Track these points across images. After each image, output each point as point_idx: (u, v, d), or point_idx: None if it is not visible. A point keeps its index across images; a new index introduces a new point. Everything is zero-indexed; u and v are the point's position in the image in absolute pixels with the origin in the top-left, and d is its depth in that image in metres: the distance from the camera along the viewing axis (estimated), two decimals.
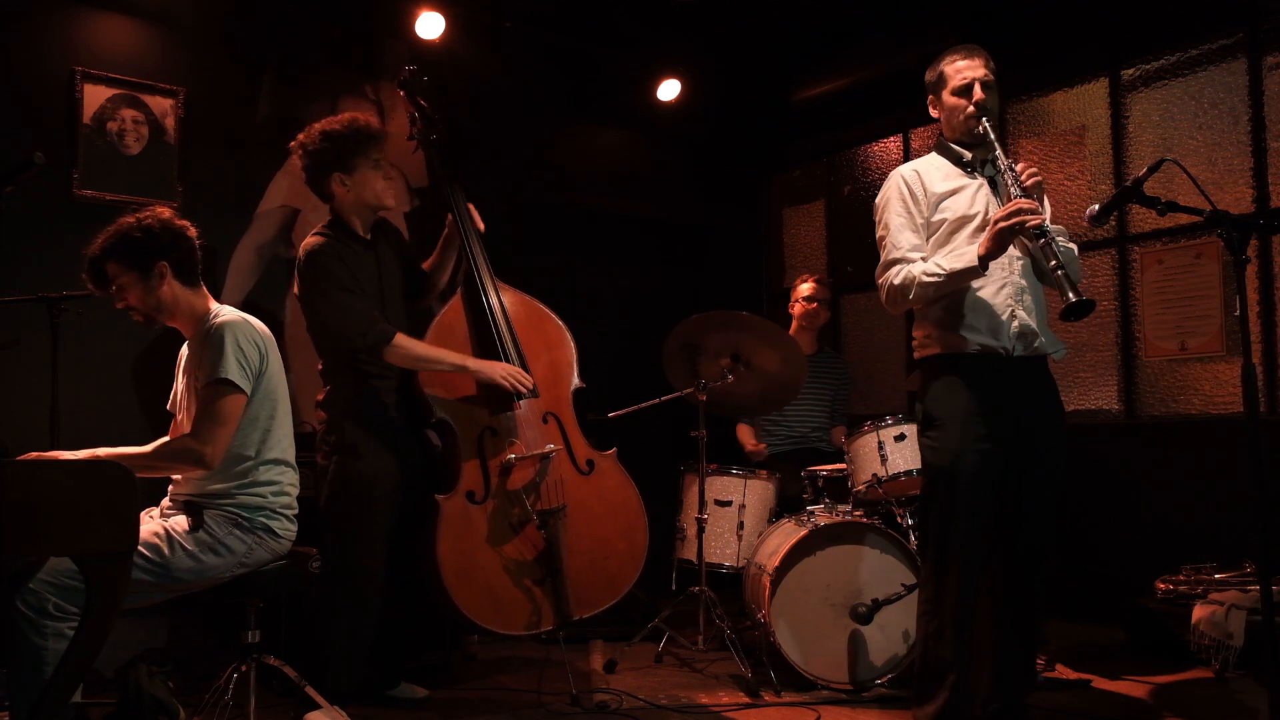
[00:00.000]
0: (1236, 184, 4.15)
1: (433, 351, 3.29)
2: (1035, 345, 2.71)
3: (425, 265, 3.62)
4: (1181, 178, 2.89)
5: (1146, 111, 4.47)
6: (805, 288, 4.73)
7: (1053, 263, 2.47)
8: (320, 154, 3.26)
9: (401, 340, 3.20)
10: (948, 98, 2.78)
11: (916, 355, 2.84)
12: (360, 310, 3.20)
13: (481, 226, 3.54)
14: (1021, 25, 4.73)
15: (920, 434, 2.82)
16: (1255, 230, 2.34)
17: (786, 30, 5.29)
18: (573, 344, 3.60)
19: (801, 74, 5.61)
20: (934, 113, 2.87)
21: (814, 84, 5.58)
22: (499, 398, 3.36)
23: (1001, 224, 2.53)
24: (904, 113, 5.32)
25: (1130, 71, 4.53)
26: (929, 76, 2.86)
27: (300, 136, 3.31)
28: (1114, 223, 4.48)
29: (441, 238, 3.60)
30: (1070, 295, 2.42)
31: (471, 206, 3.55)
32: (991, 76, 2.75)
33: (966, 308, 2.69)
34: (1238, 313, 3.02)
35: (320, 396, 3.35)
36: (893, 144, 5.53)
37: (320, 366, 3.36)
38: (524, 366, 3.38)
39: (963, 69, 2.75)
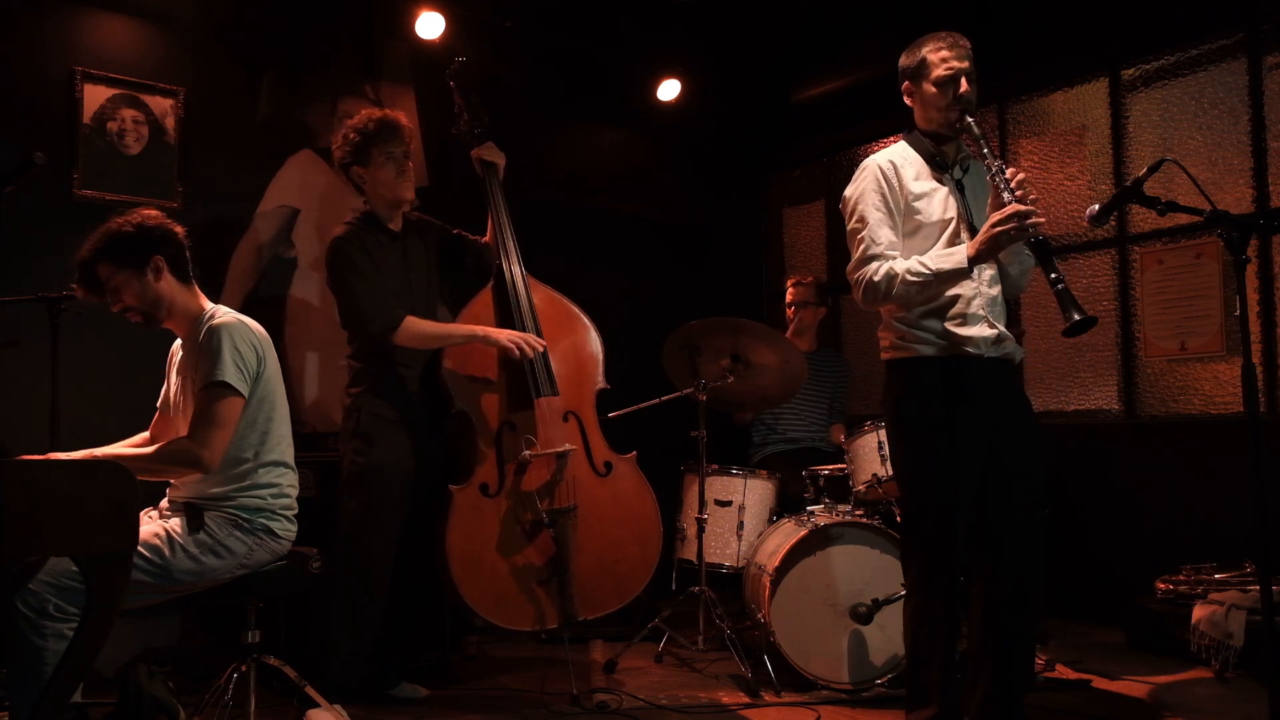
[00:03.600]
0: (1236, 184, 4.15)
1: (441, 329, 3.33)
2: (1006, 349, 2.66)
3: (486, 238, 3.62)
4: (1181, 178, 2.89)
5: (1146, 111, 4.47)
6: (787, 293, 4.80)
7: (1053, 275, 2.37)
8: (343, 149, 3.37)
9: (411, 322, 3.23)
10: (928, 87, 2.65)
11: (884, 357, 2.74)
12: (371, 297, 3.23)
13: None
14: (1021, 25, 4.73)
15: (892, 437, 2.72)
16: (1255, 230, 2.34)
17: (786, 30, 5.29)
18: (600, 344, 3.59)
19: (801, 74, 5.61)
20: (909, 101, 2.74)
21: (814, 84, 5.58)
22: (520, 393, 3.37)
23: (998, 228, 2.43)
24: (904, 113, 5.31)
25: (1130, 71, 4.52)
26: (906, 61, 2.72)
27: (334, 138, 3.45)
28: (1114, 223, 4.48)
29: (489, 221, 3.61)
30: (1075, 315, 2.32)
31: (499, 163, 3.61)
32: (973, 68, 2.65)
33: (936, 311, 2.61)
34: (1238, 313, 3.02)
35: (347, 383, 3.37)
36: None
37: (348, 354, 3.38)
38: (545, 356, 3.38)
39: (949, 59, 2.61)
